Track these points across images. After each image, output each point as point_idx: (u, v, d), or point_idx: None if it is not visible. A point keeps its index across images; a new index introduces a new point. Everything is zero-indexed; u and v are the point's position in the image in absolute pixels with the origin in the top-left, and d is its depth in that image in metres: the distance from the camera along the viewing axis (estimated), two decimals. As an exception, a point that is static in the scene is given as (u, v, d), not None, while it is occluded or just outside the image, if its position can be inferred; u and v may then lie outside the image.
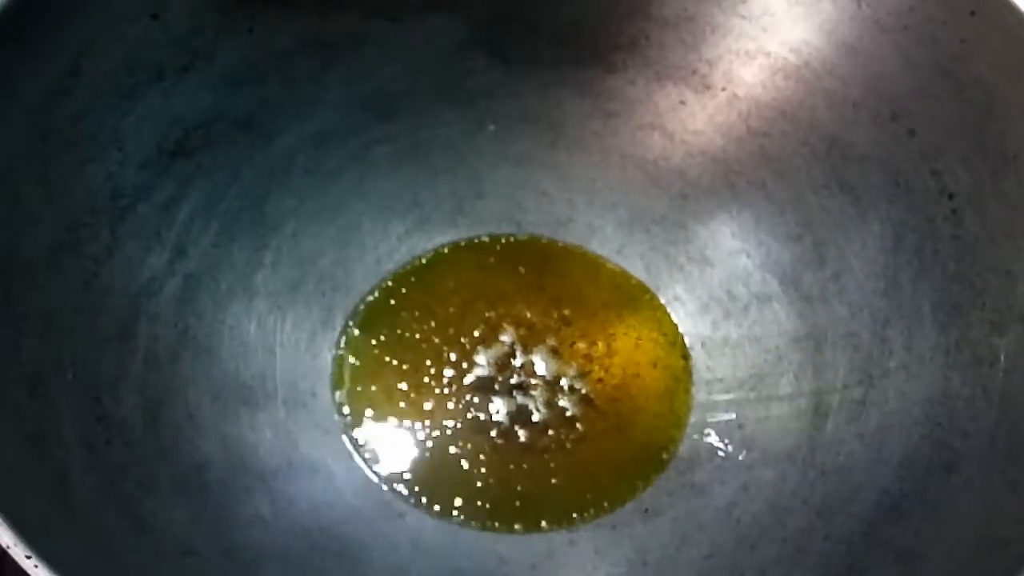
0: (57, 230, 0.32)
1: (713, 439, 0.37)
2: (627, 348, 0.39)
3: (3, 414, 0.28)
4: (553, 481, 0.37)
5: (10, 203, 0.31)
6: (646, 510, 0.36)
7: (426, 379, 0.38)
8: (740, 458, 0.36)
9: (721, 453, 0.37)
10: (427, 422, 0.37)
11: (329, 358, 0.38)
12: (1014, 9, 0.31)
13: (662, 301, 0.39)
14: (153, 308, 0.34)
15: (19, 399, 0.29)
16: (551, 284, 0.40)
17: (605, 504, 0.36)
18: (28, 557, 0.25)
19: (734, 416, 0.37)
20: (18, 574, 0.25)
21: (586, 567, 0.35)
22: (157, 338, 0.34)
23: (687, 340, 0.39)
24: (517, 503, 0.36)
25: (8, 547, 0.25)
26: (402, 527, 0.35)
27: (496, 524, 0.36)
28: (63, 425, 0.30)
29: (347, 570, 0.33)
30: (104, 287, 0.33)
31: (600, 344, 0.39)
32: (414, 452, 0.37)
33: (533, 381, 0.38)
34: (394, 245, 0.39)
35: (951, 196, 0.34)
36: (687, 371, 0.38)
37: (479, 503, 0.36)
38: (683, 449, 0.37)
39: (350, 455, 0.36)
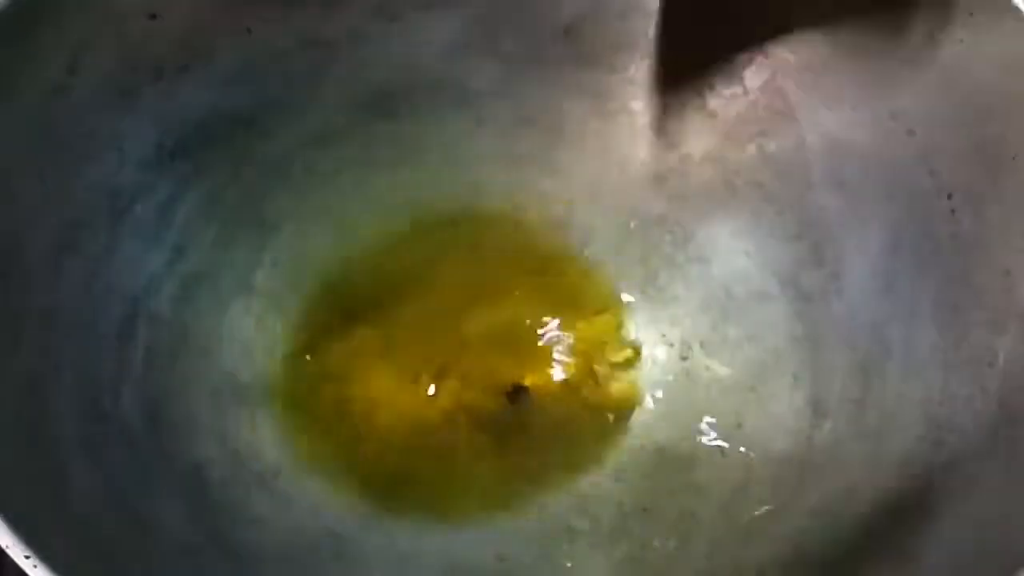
0: (57, 230, 0.32)
1: (712, 439, 0.37)
2: (625, 350, 0.39)
3: (3, 414, 0.28)
4: (553, 481, 0.37)
5: (9, 203, 0.30)
6: (645, 509, 0.36)
7: (424, 378, 0.38)
8: (739, 457, 0.36)
9: (720, 452, 0.37)
10: (426, 421, 0.37)
11: (328, 358, 0.38)
12: (1013, 9, 0.31)
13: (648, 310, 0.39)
14: (153, 308, 0.34)
15: (19, 399, 0.29)
16: (551, 285, 0.40)
17: (606, 505, 0.36)
18: (27, 557, 0.25)
19: (733, 416, 0.37)
20: (17, 574, 0.25)
21: (585, 566, 0.35)
22: (157, 338, 0.34)
23: (685, 341, 0.39)
24: (516, 504, 0.36)
25: (7, 547, 0.25)
26: (401, 526, 0.35)
27: (492, 521, 0.36)
28: (63, 425, 0.30)
29: (346, 570, 0.33)
30: (104, 287, 0.33)
31: (594, 344, 0.39)
32: (413, 452, 0.37)
33: (530, 382, 0.38)
34: (393, 245, 0.39)
35: (950, 196, 0.34)
36: (686, 371, 0.38)
37: (478, 502, 0.36)
38: (683, 448, 0.37)
39: (349, 455, 0.36)
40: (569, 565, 0.35)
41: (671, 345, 0.39)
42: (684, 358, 0.39)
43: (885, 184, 0.35)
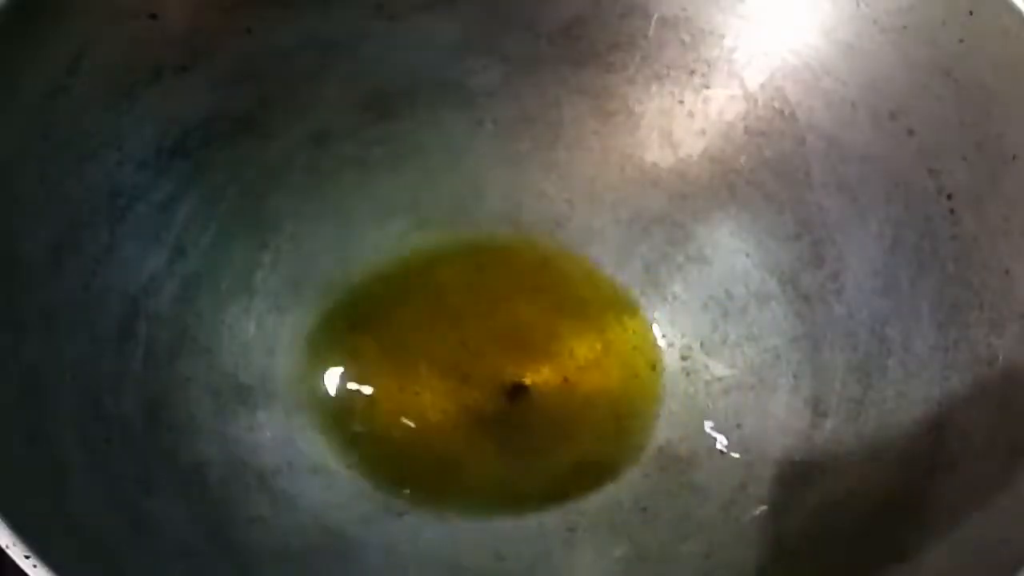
0: (57, 230, 0.32)
1: (711, 439, 0.37)
2: (625, 350, 0.39)
3: (3, 414, 0.28)
4: (553, 481, 0.37)
5: (10, 203, 0.31)
6: (644, 509, 0.36)
7: (424, 378, 0.38)
8: (739, 457, 0.36)
9: (720, 453, 0.37)
10: (426, 421, 0.37)
11: (328, 358, 0.38)
12: (1013, 9, 0.31)
13: (647, 310, 0.39)
14: (153, 308, 0.34)
15: (19, 399, 0.29)
16: (549, 285, 0.40)
17: (607, 505, 0.36)
18: (27, 557, 0.25)
19: (733, 416, 0.37)
20: (17, 574, 0.25)
21: (584, 565, 0.35)
22: (157, 338, 0.34)
23: (685, 341, 0.39)
24: (515, 500, 0.36)
25: (7, 547, 0.25)
26: (401, 526, 0.35)
27: (495, 525, 0.36)
28: (63, 425, 0.30)
29: (347, 570, 0.33)
30: (104, 287, 0.33)
31: (597, 345, 0.39)
32: (413, 451, 0.37)
33: (531, 381, 0.38)
34: (393, 245, 0.39)
35: (950, 196, 0.34)
36: (686, 372, 0.38)
37: (478, 501, 0.36)
38: (682, 449, 0.37)
39: (349, 455, 0.36)
40: (569, 565, 0.35)
41: (671, 345, 0.39)
42: (684, 358, 0.39)
43: (885, 184, 0.35)
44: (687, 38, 0.37)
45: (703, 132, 0.38)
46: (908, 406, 0.33)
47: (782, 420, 0.36)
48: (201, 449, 0.33)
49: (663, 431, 0.37)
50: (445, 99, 0.38)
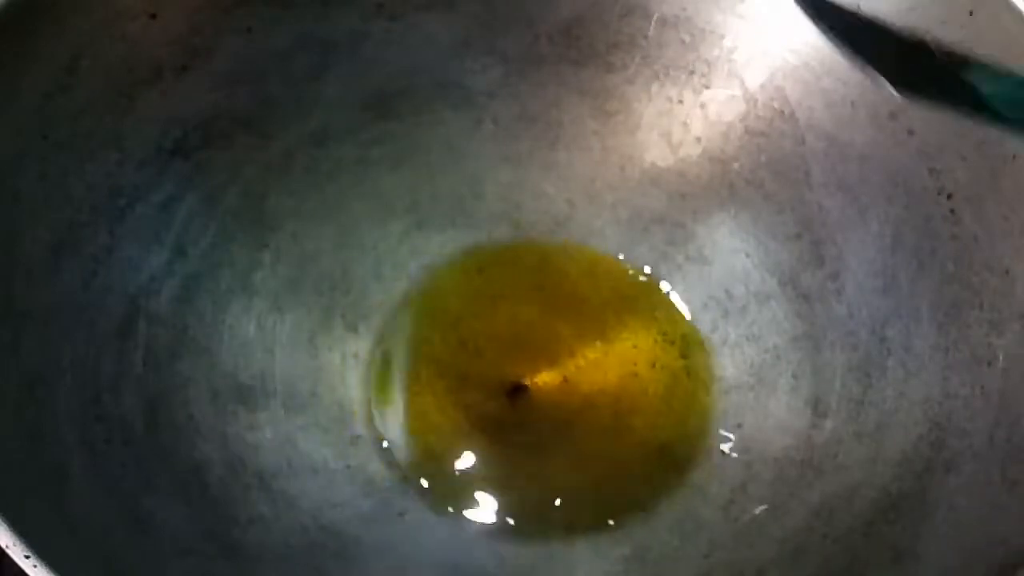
0: (57, 230, 0.32)
1: (712, 438, 0.37)
2: (625, 348, 0.39)
3: (3, 414, 0.28)
4: (553, 481, 0.37)
5: (10, 202, 0.31)
6: (645, 509, 0.36)
7: (424, 379, 0.38)
8: (738, 457, 0.36)
9: (719, 452, 0.37)
10: (425, 422, 0.37)
11: (328, 358, 0.38)
12: (1013, 9, 0.31)
13: (665, 292, 0.39)
14: (153, 308, 0.34)
15: (18, 399, 0.29)
16: (550, 284, 0.40)
17: (606, 505, 0.36)
18: (27, 557, 0.25)
19: (733, 416, 0.37)
20: (17, 574, 0.25)
21: (584, 566, 0.35)
22: (157, 338, 0.34)
23: (685, 340, 0.39)
24: (517, 504, 0.36)
25: (7, 547, 0.25)
26: (401, 526, 0.35)
27: (495, 525, 0.36)
28: (63, 425, 0.30)
29: (346, 569, 0.33)
30: (104, 287, 0.33)
31: (598, 345, 0.39)
32: (413, 451, 0.37)
33: (533, 382, 0.38)
34: (393, 245, 0.39)
35: (949, 196, 0.34)
36: (686, 370, 0.38)
37: (477, 502, 0.36)
38: (683, 448, 0.37)
39: (349, 455, 0.36)
40: (569, 565, 0.35)
41: (671, 344, 0.39)
42: (684, 357, 0.39)
43: (885, 184, 0.35)
44: (687, 38, 0.37)
45: (703, 132, 0.38)
46: (908, 406, 0.33)
47: (782, 420, 0.36)
48: (201, 449, 0.33)
49: (664, 431, 0.37)
50: (445, 99, 0.38)
